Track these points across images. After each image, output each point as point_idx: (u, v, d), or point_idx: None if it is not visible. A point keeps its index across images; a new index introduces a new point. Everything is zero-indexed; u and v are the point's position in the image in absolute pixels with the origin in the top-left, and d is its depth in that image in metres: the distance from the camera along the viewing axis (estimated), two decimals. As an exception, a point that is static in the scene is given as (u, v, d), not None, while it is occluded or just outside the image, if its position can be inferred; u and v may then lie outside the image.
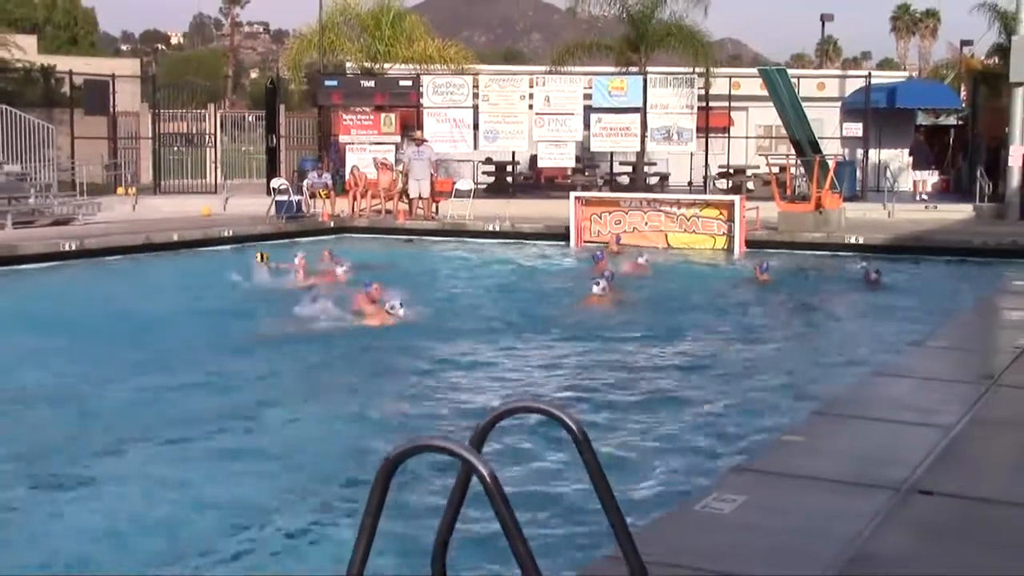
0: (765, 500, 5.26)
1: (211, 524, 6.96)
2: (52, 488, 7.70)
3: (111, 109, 31.62)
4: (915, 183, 32.52)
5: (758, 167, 31.52)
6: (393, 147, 29.76)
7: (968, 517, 5.12)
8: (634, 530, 3.77)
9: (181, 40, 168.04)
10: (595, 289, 15.87)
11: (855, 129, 32.33)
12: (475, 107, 30.01)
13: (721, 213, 23.14)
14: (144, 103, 35.23)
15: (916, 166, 33.06)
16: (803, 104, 25.86)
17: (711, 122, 30.93)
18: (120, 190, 30.05)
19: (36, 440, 8.87)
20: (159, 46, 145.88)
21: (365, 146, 29.79)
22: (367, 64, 33.51)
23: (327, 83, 30.71)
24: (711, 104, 30.96)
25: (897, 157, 36.16)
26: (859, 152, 32.11)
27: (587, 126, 30.06)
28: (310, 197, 27.06)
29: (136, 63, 50.22)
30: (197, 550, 6.56)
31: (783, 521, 5.00)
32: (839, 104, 35.48)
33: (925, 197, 30.82)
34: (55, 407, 10.02)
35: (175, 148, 33.39)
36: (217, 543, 6.66)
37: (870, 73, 35.12)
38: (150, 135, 31.82)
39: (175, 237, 22.59)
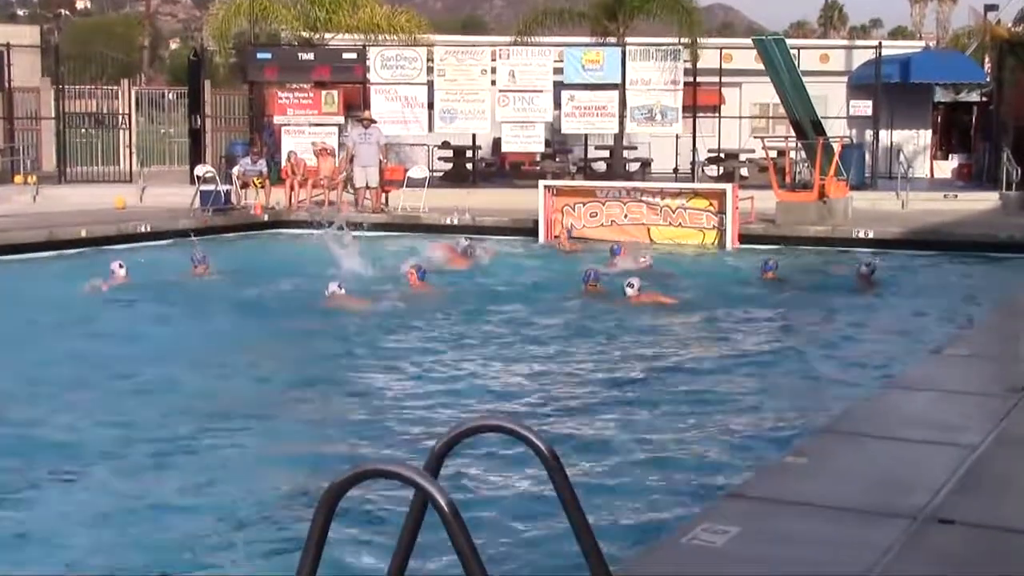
0: (763, 531, 5.27)
1: (130, 560, 6.96)
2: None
3: (6, 84, 31.37)
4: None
5: (753, 151, 31.64)
6: (336, 129, 29.67)
7: (994, 549, 5.15)
8: (612, 564, 3.77)
9: (88, 5, 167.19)
10: (629, 292, 16.36)
11: (863, 107, 32.51)
12: (430, 83, 29.97)
13: (711, 204, 23.20)
14: (45, 77, 34.98)
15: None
16: (804, 79, 25.98)
17: (699, 100, 31.01)
18: (18, 179, 29.83)
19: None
20: (62, 11, 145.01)
21: (304, 128, 29.67)
22: (305, 34, 33.39)
23: (259, 56, 30.58)
24: (699, 79, 31.04)
25: (912, 139, 36.41)
26: (868, 134, 32.30)
27: (558, 105, 30.08)
28: (241, 187, 26.91)
29: (35, 31, 49.64)
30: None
31: (783, 554, 5.01)
32: (845, 79, 35.70)
33: (960, 184, 31.09)
34: None
35: (83, 130, 33.14)
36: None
37: (880, 43, 35.31)
38: (53, 115, 31.60)
39: (83, 233, 22.43)
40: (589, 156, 32.57)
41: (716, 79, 31.65)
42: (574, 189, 25.00)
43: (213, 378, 12.03)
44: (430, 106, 30.04)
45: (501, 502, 7.86)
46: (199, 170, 27.11)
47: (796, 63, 26.44)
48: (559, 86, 29.97)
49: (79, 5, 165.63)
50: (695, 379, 12.12)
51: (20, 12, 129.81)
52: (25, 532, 7.54)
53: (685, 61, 30.03)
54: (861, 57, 36.22)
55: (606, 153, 32.74)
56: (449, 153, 32.84)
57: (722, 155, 32.20)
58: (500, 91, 29.85)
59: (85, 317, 15.09)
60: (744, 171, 31.51)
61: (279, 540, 7.24)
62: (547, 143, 31.55)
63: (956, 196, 28.57)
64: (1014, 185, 28.13)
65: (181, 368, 12.21)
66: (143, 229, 23.43)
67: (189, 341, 13.92)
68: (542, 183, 24.63)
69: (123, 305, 16.12)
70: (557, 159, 32.47)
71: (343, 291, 15.88)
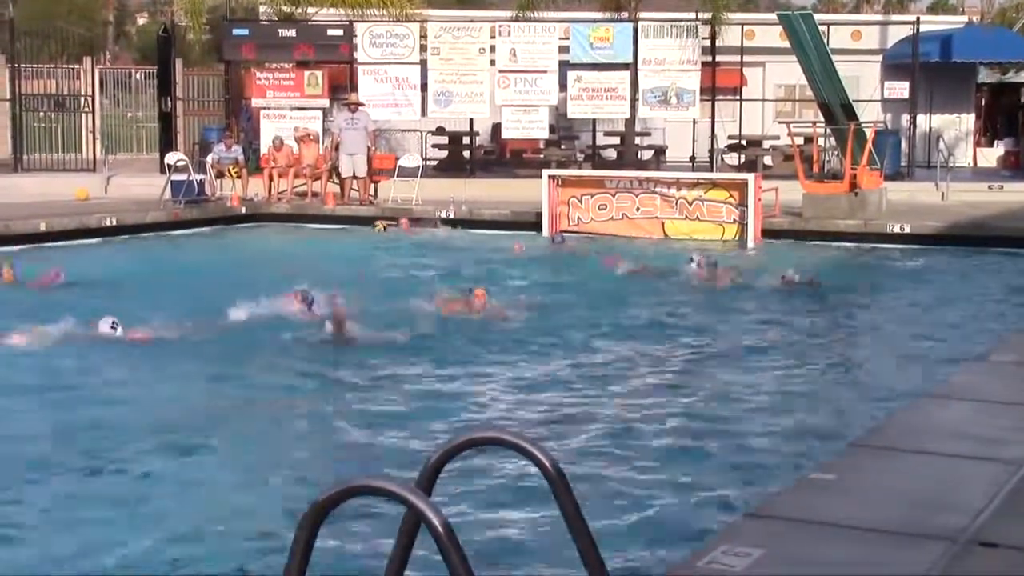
0: (787, 554, 5.28)
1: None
2: None
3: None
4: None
5: (778, 138, 31.65)
6: (320, 113, 29.68)
7: (1041, 574, 5.15)
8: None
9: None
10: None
11: (900, 89, 32.49)
12: (423, 63, 29.95)
13: (731, 196, 23.22)
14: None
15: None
16: (834, 58, 25.97)
17: (719, 81, 31.04)
18: (-30, 167, 29.86)
19: None
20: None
21: (285, 112, 29.68)
22: (286, 8, 33.37)
23: (236, 32, 30.58)
24: (719, 59, 31.05)
25: (953, 124, 36.38)
26: (905, 118, 32.29)
27: (563, 87, 30.07)
28: (216, 176, 26.95)
29: (-11, 5, 49.89)
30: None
31: (810, 580, 5.02)
32: (879, 58, 35.67)
33: (1007, 173, 31.06)
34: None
35: (41, 113, 33.14)
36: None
37: (919, 18, 35.29)
38: (7, 96, 31.58)
39: (42, 227, 22.45)
40: (597, 143, 32.50)
41: (737, 58, 31.63)
42: (581, 179, 25.01)
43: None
44: (423, 88, 30.01)
45: (500, 520, 7.87)
46: (170, 158, 27.09)
47: (825, 40, 26.41)
48: (565, 66, 29.94)
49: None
50: (713, 389, 12.13)
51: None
52: None
53: (703, 38, 29.99)
54: (897, 34, 36.14)
55: (616, 140, 32.69)
56: (444, 140, 32.82)
57: (743, 142, 32.18)
58: (500, 72, 29.83)
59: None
60: (768, 159, 31.50)
61: (261, 560, 7.27)
62: (551, 129, 31.47)
63: (1002, 187, 28.57)
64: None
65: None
66: (108, 223, 23.45)
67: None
68: (546, 173, 24.65)
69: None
70: (562, 146, 32.42)
71: (117, 331, 13.55)
